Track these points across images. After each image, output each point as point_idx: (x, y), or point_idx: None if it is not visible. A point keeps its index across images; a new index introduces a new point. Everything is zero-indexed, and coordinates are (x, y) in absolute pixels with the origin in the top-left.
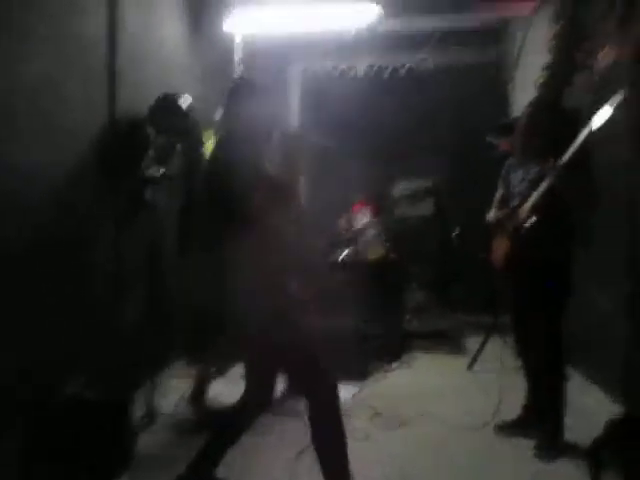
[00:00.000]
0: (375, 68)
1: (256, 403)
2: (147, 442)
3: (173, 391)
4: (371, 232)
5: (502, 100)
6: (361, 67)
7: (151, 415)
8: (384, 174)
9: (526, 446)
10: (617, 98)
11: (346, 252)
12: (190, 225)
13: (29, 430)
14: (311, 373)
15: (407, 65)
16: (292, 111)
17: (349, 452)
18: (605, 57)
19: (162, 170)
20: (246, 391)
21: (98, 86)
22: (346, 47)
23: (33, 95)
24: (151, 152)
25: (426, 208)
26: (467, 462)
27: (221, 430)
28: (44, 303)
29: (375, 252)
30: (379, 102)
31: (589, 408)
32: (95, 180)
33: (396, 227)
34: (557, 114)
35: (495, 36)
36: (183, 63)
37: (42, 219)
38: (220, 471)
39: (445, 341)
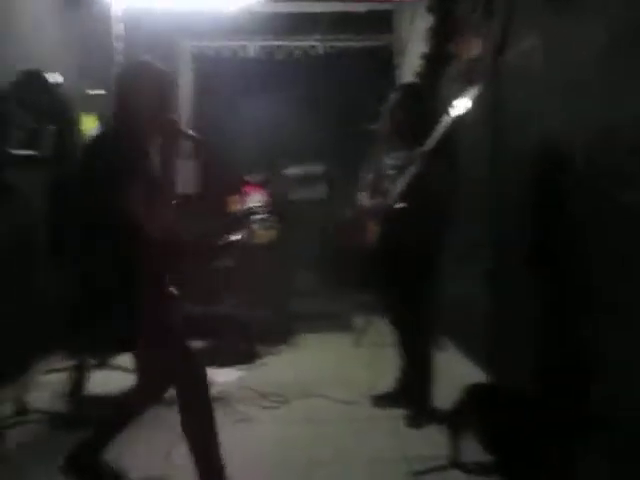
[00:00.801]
0: (267, 49)
1: (147, 394)
2: (19, 439)
3: (47, 386)
4: (261, 214)
5: (391, 86)
6: (253, 48)
7: (22, 412)
8: (277, 156)
9: (399, 415)
10: (474, 90)
11: (237, 234)
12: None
13: None
14: (178, 363)
15: (300, 48)
16: (183, 90)
17: (231, 435)
18: (472, 49)
19: (30, 152)
20: (137, 382)
21: None
22: (235, 27)
23: None
24: (16, 132)
25: (318, 191)
26: (347, 434)
27: (108, 419)
28: None
29: (264, 235)
30: (271, 84)
31: (460, 378)
32: None
33: (287, 209)
34: (427, 102)
35: (389, 22)
36: (52, 36)
37: None
38: None
39: (334, 321)
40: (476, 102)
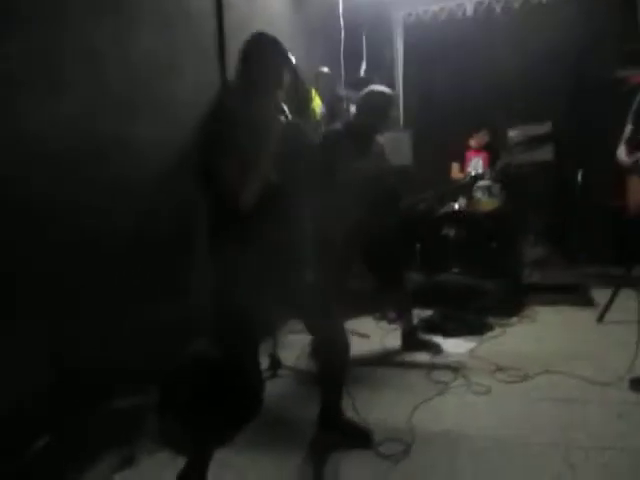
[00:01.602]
0: (485, 5)
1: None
2: (273, 391)
3: (295, 346)
4: (486, 181)
5: (631, 25)
6: (470, 5)
7: (275, 367)
8: (499, 119)
9: None
10: None
11: (459, 203)
12: None
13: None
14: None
15: None
16: (398, 60)
17: (470, 407)
18: None
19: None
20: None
21: (209, 61)
22: None
23: (146, 76)
24: None
25: (545, 154)
26: (598, 417)
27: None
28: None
29: (490, 202)
30: (491, 42)
31: None
32: None
33: (513, 175)
34: None
35: None
36: (287, 23)
37: (159, 196)
38: None
39: (570, 294)
40: None
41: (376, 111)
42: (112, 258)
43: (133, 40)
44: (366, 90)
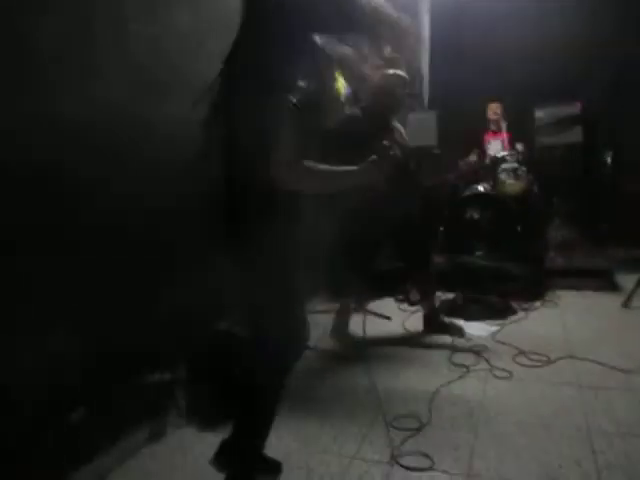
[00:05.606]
0: None
1: None
2: (295, 372)
3: (316, 325)
4: (510, 163)
5: None
6: None
7: None
8: (526, 101)
9: None
10: None
11: (483, 185)
12: None
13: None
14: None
15: None
16: (424, 40)
17: (493, 391)
18: None
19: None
20: None
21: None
22: None
23: (174, 55)
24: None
25: (573, 136)
26: (622, 404)
27: None
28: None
29: (515, 185)
30: (521, 20)
31: None
32: None
33: (539, 157)
34: None
35: None
36: None
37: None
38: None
39: (594, 279)
40: None
41: (390, 94)
42: (144, 242)
43: (162, 19)
44: (380, 73)
